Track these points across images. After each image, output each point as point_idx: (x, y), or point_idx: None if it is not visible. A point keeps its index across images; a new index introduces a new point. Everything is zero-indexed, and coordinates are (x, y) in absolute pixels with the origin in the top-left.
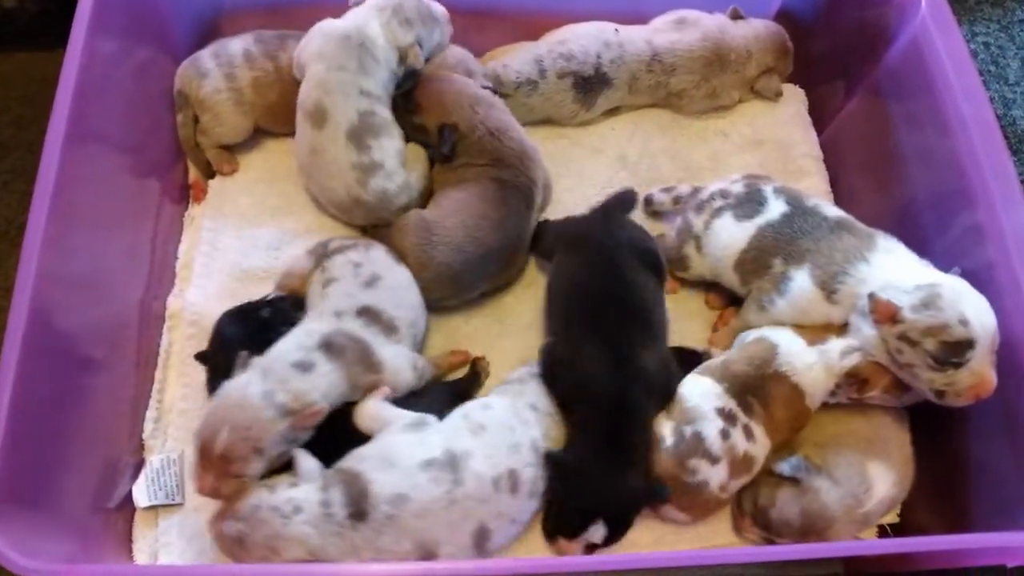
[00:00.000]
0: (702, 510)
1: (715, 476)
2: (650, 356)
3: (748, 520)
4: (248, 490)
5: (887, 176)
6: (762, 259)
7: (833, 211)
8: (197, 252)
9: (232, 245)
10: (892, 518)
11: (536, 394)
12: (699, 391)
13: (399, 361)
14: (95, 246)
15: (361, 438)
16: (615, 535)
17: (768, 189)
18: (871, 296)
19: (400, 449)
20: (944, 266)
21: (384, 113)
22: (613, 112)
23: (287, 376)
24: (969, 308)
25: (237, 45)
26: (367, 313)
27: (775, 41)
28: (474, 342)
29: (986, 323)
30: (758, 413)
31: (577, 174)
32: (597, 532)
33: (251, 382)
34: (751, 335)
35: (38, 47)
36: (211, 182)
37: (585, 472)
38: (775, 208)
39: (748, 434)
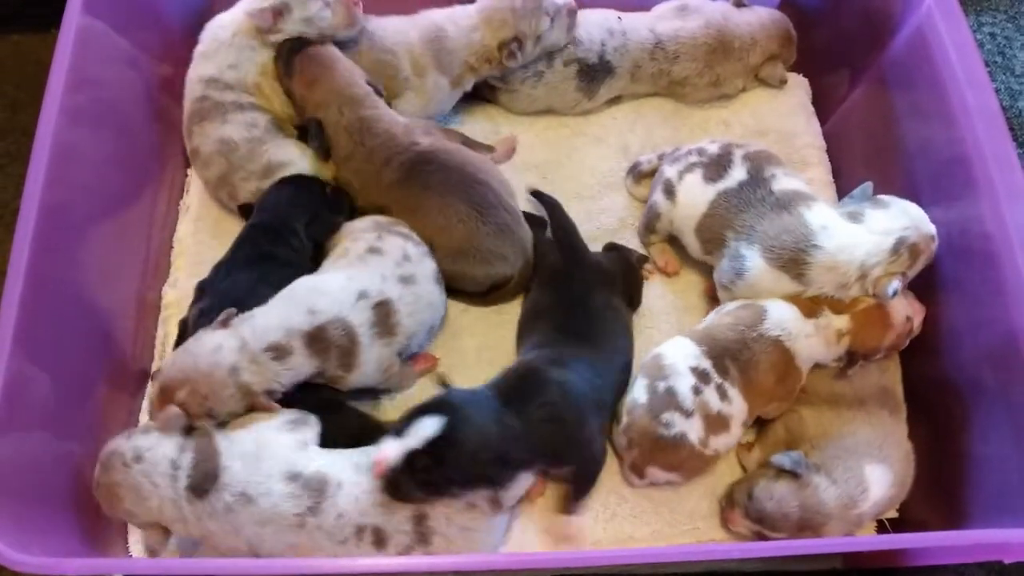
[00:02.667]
0: (688, 467)
1: (691, 429)
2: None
3: (739, 513)
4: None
5: (891, 166)
6: (716, 228)
7: (782, 184)
8: (192, 240)
9: (229, 230)
10: (891, 513)
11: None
12: (677, 350)
13: (374, 365)
14: (90, 231)
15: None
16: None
17: (738, 154)
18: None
19: (274, 449)
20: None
21: (218, 96)
22: (615, 101)
23: (259, 358)
24: (920, 220)
25: None
26: (383, 307)
27: (779, 29)
28: (472, 333)
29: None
30: (734, 376)
31: (579, 163)
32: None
33: (225, 350)
34: (735, 303)
35: (33, 29)
36: None
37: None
38: (735, 175)
39: (722, 394)
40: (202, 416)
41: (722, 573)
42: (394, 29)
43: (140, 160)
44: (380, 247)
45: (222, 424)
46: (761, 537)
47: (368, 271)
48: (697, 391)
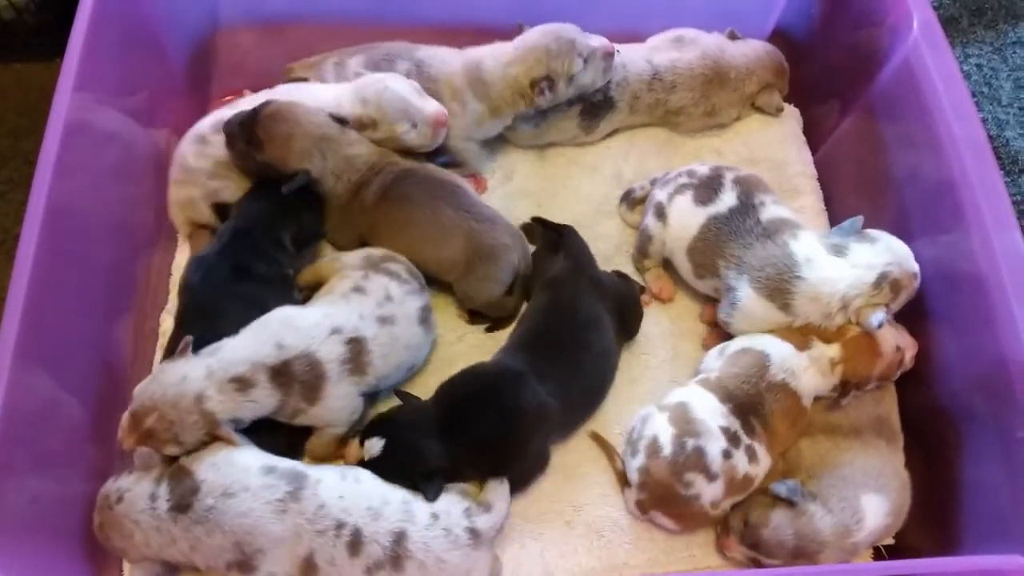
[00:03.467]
0: (690, 522)
1: (709, 492)
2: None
3: (734, 539)
4: None
5: (880, 195)
6: (708, 254)
7: (770, 213)
8: None
9: None
10: (887, 540)
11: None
12: (704, 404)
13: (340, 402)
14: (90, 259)
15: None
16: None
17: (728, 177)
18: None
19: (245, 455)
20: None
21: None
22: (610, 132)
23: (224, 387)
24: (904, 257)
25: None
26: (356, 344)
27: (773, 60)
28: (468, 360)
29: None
30: (759, 433)
31: (574, 192)
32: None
33: (191, 379)
34: (733, 345)
35: (36, 58)
36: None
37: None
38: (726, 200)
39: (751, 455)
40: (170, 443)
41: None
42: (440, 59)
43: (140, 188)
44: (364, 286)
45: (189, 452)
46: (757, 564)
47: (347, 309)
48: (727, 455)
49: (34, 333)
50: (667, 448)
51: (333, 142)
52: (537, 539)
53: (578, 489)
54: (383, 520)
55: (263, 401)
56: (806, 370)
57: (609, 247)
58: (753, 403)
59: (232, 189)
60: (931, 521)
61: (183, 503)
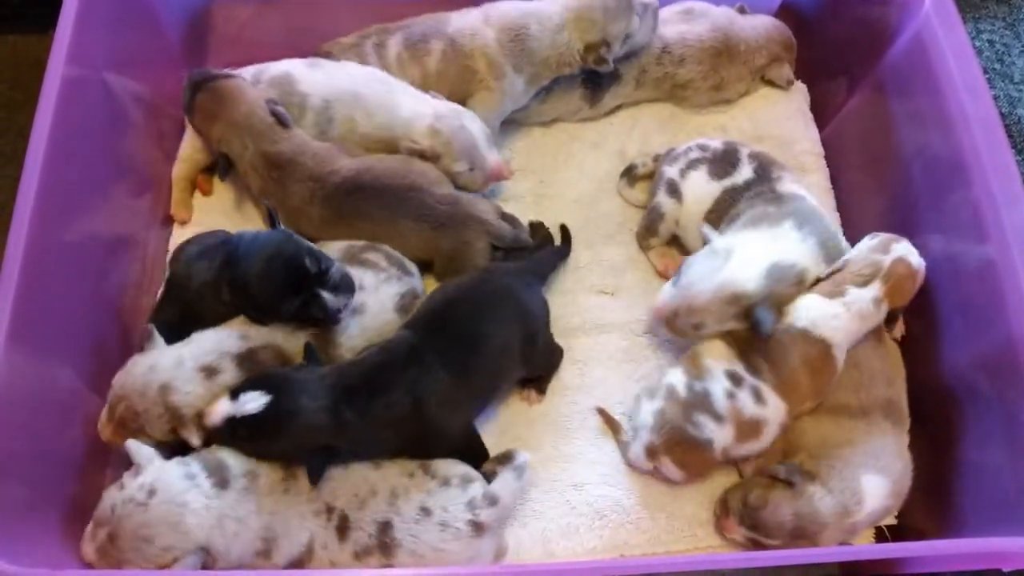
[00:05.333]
0: (698, 469)
1: (720, 437)
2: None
3: (734, 520)
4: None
5: (889, 173)
6: (721, 217)
7: (785, 187)
8: None
9: None
10: (889, 520)
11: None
12: (713, 349)
13: None
14: (84, 236)
15: None
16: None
17: (744, 152)
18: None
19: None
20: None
21: None
22: (614, 106)
23: (190, 377)
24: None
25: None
26: (321, 337)
27: (782, 34)
28: None
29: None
30: (767, 375)
31: (576, 168)
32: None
33: (159, 368)
34: None
35: (29, 30)
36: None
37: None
38: (743, 173)
39: (756, 396)
40: (138, 434)
41: None
42: (470, 31)
43: (135, 166)
44: None
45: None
46: (756, 544)
47: None
48: (731, 395)
49: (26, 312)
50: (682, 392)
51: (256, 136)
52: (539, 519)
53: (579, 469)
54: (367, 510)
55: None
56: (836, 317)
57: (611, 225)
58: (761, 344)
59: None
60: (935, 503)
61: (222, 478)
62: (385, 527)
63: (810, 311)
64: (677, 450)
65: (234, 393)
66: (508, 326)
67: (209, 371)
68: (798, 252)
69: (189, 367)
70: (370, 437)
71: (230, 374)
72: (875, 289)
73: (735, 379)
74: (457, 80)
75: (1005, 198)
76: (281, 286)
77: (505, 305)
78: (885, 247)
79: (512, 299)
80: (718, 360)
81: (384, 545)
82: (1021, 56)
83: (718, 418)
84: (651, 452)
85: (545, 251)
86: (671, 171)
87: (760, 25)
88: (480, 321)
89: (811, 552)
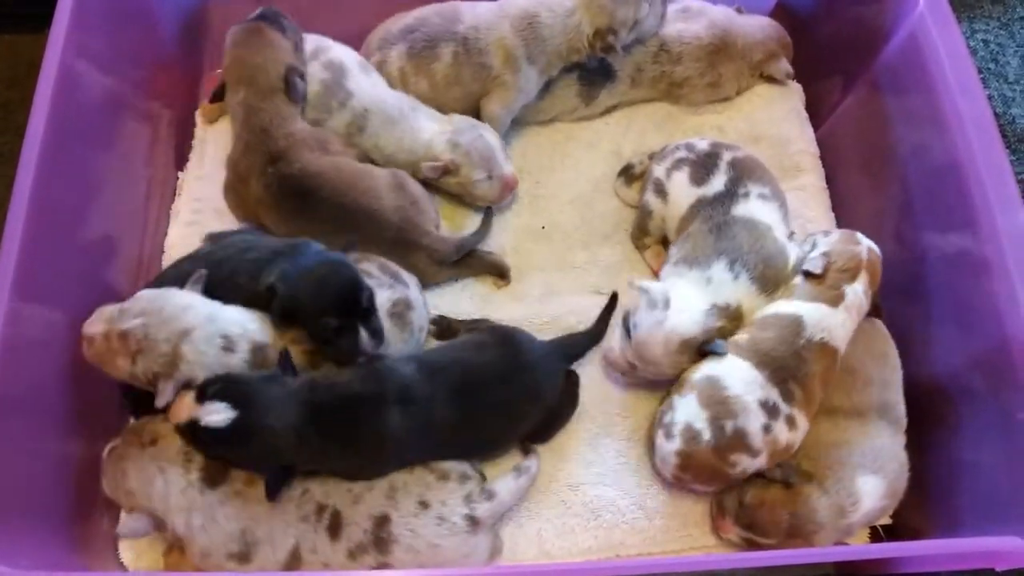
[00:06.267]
0: (720, 484)
1: (752, 465)
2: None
3: (729, 520)
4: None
5: (884, 173)
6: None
7: (744, 209)
8: (183, 245)
9: None
10: (884, 520)
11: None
12: (738, 377)
13: None
14: (80, 234)
15: None
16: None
17: (725, 159)
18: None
19: None
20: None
21: None
22: (610, 105)
23: (211, 340)
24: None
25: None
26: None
27: (779, 32)
28: None
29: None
30: (799, 398)
31: (572, 168)
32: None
33: (192, 313)
34: (763, 313)
35: (25, 30)
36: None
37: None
38: (715, 184)
39: (791, 423)
40: (124, 356)
41: None
42: (486, 26)
43: (130, 163)
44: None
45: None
46: (752, 544)
47: None
48: (768, 430)
49: (22, 313)
50: (706, 434)
51: (253, 87)
52: (534, 519)
53: (575, 469)
54: (363, 504)
55: (236, 366)
56: (843, 324)
57: (607, 226)
58: (791, 366)
59: None
60: (929, 502)
61: (213, 478)
62: (382, 521)
63: (822, 322)
64: (710, 480)
65: (200, 392)
66: (519, 406)
67: (228, 343)
68: (731, 291)
69: (215, 329)
70: (328, 456)
71: (241, 356)
72: (863, 282)
73: (771, 411)
74: (471, 82)
75: (999, 198)
76: (330, 303)
77: (522, 384)
78: (853, 239)
79: (533, 381)
80: (749, 386)
81: (380, 541)
82: (1015, 56)
83: (755, 453)
84: (678, 481)
85: (579, 334)
86: (658, 170)
87: (756, 23)
88: (492, 390)
89: (807, 552)
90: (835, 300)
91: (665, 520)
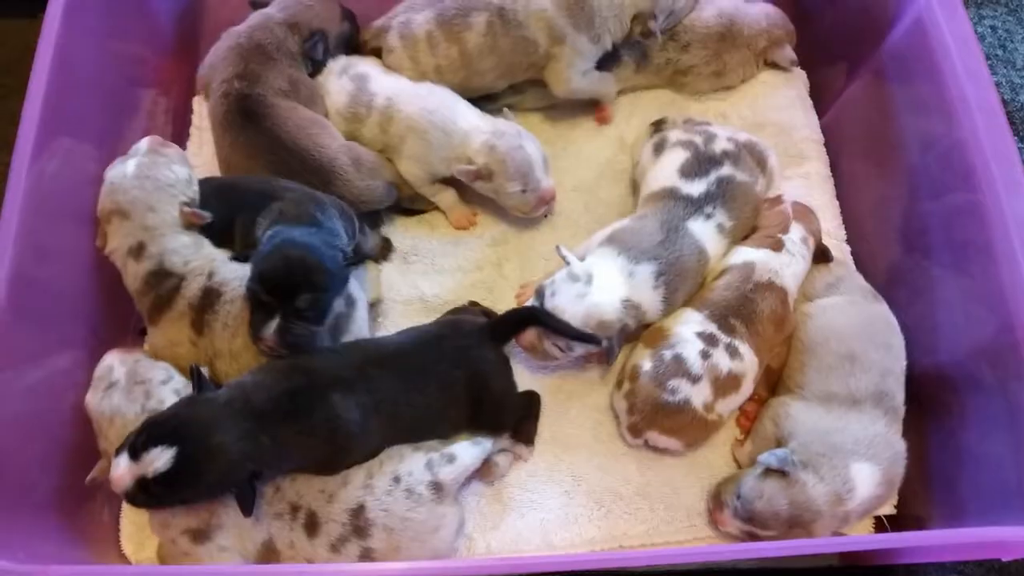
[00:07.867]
0: (690, 433)
1: (697, 394)
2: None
3: (728, 513)
4: None
5: (889, 159)
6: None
7: (693, 235)
8: None
9: None
10: (889, 510)
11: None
12: (679, 319)
13: None
14: (76, 223)
15: None
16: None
17: (720, 172)
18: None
19: None
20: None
21: None
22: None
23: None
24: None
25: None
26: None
27: (783, 19)
28: None
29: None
30: (742, 332)
31: (575, 155)
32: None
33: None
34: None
35: (20, 14)
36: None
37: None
38: (695, 187)
39: (732, 352)
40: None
41: (718, 571)
42: (524, 2)
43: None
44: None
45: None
46: (752, 536)
47: None
48: (706, 355)
49: (19, 302)
50: (646, 365)
51: (278, 24)
52: (537, 509)
53: (578, 460)
54: (337, 503)
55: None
56: (789, 266)
57: (612, 213)
58: (733, 304)
59: None
60: (935, 492)
61: None
62: (357, 512)
63: (769, 264)
64: (660, 420)
65: (133, 450)
66: (453, 385)
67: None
68: (646, 296)
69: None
70: (288, 456)
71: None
72: (800, 229)
73: (709, 340)
74: (509, 52)
75: (1006, 185)
76: (269, 274)
77: (455, 361)
78: (777, 201)
79: (463, 359)
80: (687, 324)
81: (358, 529)
82: (1023, 42)
83: (694, 378)
84: (635, 431)
85: (512, 310)
86: (675, 135)
87: (761, 11)
88: (420, 373)
89: (812, 542)
90: (776, 245)
91: (668, 511)
